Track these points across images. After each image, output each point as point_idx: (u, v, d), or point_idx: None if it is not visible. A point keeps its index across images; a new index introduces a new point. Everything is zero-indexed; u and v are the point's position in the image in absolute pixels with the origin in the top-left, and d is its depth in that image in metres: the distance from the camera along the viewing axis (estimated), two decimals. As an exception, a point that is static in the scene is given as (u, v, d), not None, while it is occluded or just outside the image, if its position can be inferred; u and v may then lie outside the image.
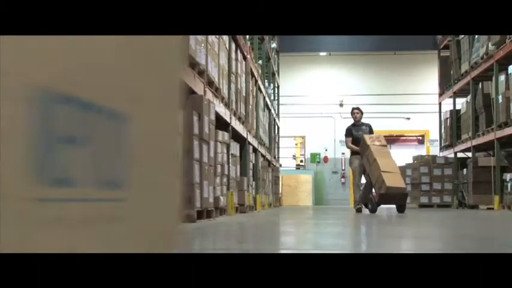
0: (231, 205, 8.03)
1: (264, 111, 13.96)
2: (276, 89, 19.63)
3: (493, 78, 13.01)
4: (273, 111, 16.53)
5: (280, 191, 20.36)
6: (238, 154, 8.99)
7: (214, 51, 6.84)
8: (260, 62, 14.31)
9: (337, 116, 21.52)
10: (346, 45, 20.54)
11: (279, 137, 19.59)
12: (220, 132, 7.49)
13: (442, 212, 11.21)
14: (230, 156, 8.18)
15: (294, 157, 24.53)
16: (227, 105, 7.95)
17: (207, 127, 5.80)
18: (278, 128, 19.55)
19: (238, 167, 9.03)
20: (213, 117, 6.11)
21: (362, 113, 11.00)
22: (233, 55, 8.79)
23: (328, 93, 21.35)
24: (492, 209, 12.89)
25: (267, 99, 14.45)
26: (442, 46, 18.63)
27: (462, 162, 15.56)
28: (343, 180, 21.68)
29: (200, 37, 5.88)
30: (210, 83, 6.55)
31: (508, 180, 12.30)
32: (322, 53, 21.32)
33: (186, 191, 5.20)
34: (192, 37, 5.51)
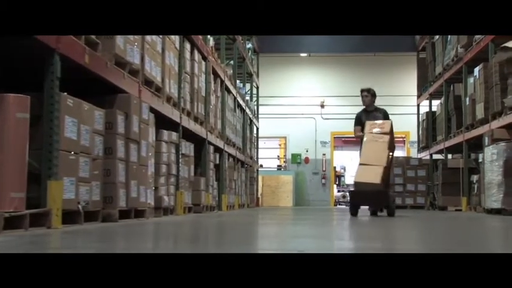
0: (180, 205, 8.02)
1: (235, 111, 13.95)
2: (256, 89, 19.62)
3: (463, 81, 13.03)
4: (248, 111, 16.51)
5: (260, 192, 20.37)
6: (191, 154, 8.98)
7: (155, 50, 6.84)
8: (232, 62, 14.32)
9: (318, 117, 21.52)
10: (326, 46, 20.54)
11: (257, 138, 19.57)
12: (165, 132, 7.49)
13: (409, 213, 11.18)
14: (181, 156, 8.18)
15: (279, 157, 24.56)
16: (176, 105, 7.94)
17: (137, 126, 5.80)
18: (257, 128, 19.54)
19: (192, 166, 9.02)
20: (145, 116, 6.09)
21: (374, 95, 9.14)
22: (187, 55, 8.79)
23: (309, 94, 21.35)
24: (460, 210, 12.91)
25: (239, 99, 14.44)
26: (420, 48, 18.65)
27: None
28: (323, 181, 21.69)
29: (132, 37, 5.88)
30: (148, 83, 6.55)
31: (474, 181, 12.32)
32: (303, 54, 21.32)
33: (106, 191, 5.19)
34: (119, 37, 5.51)
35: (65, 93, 4.37)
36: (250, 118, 17.17)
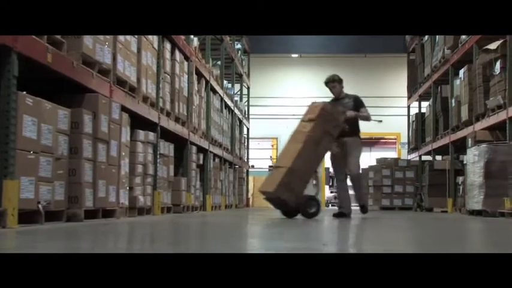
0: (157, 205, 8.00)
1: (222, 112, 13.93)
2: (246, 90, 19.60)
3: (449, 82, 13.03)
4: (237, 112, 16.50)
5: (251, 192, 20.34)
6: (171, 154, 8.95)
7: (129, 50, 6.81)
8: (219, 62, 14.30)
9: (309, 117, 21.50)
10: (317, 47, 20.54)
11: (248, 138, 19.55)
12: (141, 132, 7.46)
13: (394, 214, 11.12)
14: (159, 156, 8.15)
15: (271, 158, 24.53)
16: (154, 105, 7.92)
17: (106, 126, 5.77)
18: (248, 129, 19.51)
19: (172, 167, 8.99)
20: (116, 116, 6.07)
21: (340, 81, 7.86)
22: (167, 55, 8.77)
23: (301, 95, 21.32)
24: (446, 211, 12.89)
25: (226, 100, 14.42)
26: (410, 49, 18.64)
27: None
28: (314, 182, 21.63)
29: (102, 36, 5.85)
30: (121, 82, 6.52)
31: (460, 183, 12.31)
32: (294, 55, 21.32)
33: (72, 190, 5.17)
34: (87, 36, 5.48)
35: (24, 92, 4.35)
36: (239, 119, 17.15)
